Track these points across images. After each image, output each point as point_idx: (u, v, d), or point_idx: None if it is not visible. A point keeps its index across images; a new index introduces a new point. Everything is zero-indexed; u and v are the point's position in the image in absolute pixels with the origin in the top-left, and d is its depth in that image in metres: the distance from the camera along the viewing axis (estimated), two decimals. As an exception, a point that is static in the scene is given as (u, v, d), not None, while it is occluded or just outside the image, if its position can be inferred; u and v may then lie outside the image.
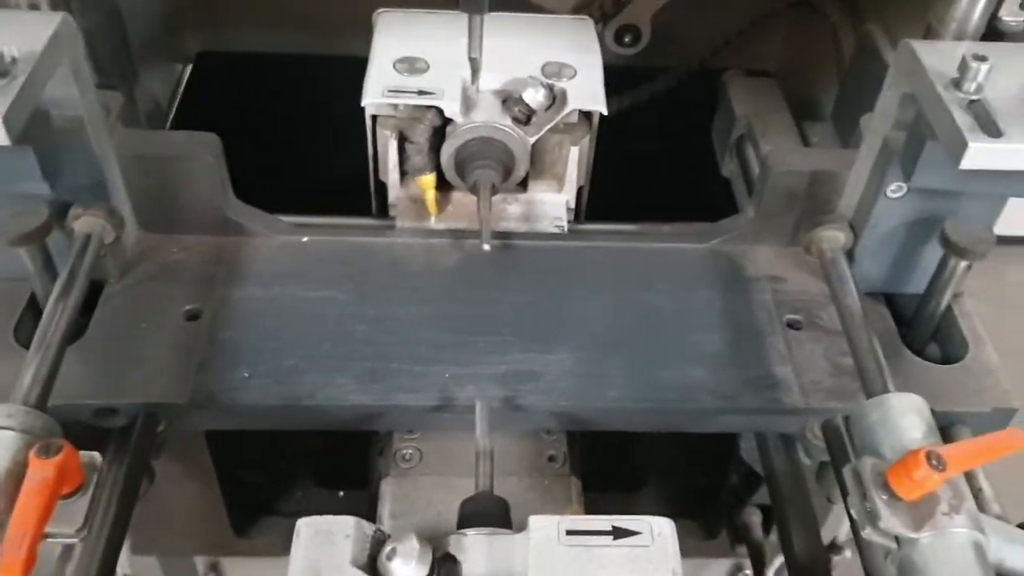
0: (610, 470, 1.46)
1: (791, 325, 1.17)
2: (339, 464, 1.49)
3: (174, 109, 1.70)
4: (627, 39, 1.65)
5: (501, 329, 1.13)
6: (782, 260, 1.24)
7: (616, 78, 1.49)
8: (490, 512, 0.88)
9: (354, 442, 1.31)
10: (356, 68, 1.23)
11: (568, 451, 1.19)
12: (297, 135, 1.73)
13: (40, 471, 0.75)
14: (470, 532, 0.83)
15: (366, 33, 1.30)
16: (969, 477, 1.01)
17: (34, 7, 1.06)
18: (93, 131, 1.03)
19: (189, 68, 1.80)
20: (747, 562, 1.52)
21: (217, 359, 1.06)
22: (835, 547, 1.50)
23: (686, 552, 0.79)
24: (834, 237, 1.16)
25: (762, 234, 1.24)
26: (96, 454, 0.84)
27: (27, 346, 1.05)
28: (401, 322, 1.13)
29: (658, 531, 0.78)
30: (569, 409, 1.06)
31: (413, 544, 0.77)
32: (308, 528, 0.79)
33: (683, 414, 1.09)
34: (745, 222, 1.25)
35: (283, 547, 0.79)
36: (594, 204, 1.33)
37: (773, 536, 1.47)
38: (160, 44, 1.68)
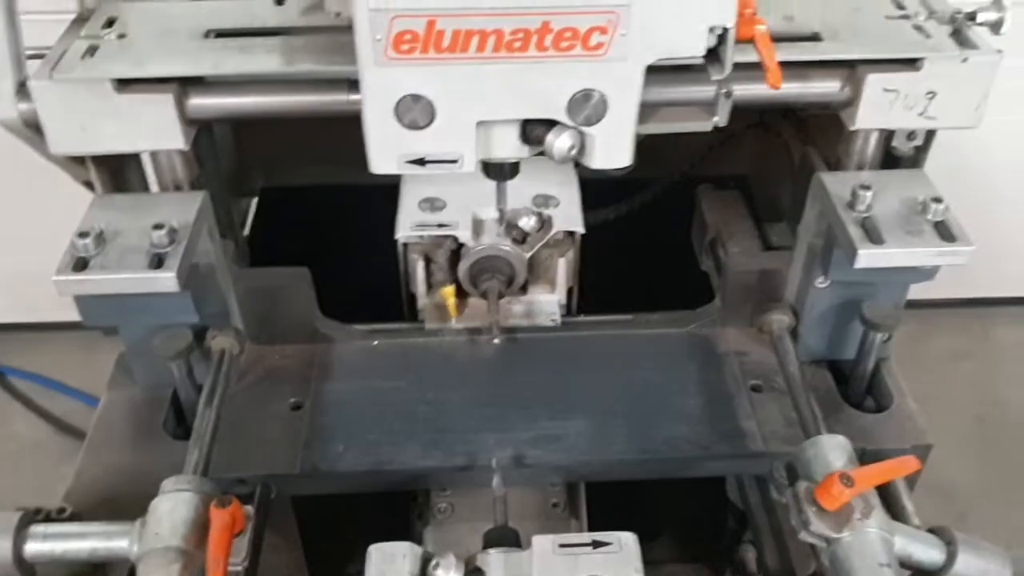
0: (625, 525, 1.79)
1: (754, 389, 1.51)
2: (390, 526, 1.83)
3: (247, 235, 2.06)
4: (616, 162, 2.01)
5: (526, 403, 1.47)
6: (746, 338, 1.58)
7: (609, 190, 1.87)
8: (506, 537, 1.21)
9: (400, 505, 1.64)
10: (392, 194, 1.59)
11: (568, 499, 1.52)
12: (343, 253, 2.10)
13: (222, 517, 1.09)
14: (492, 551, 1.15)
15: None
16: (895, 498, 1.35)
17: (178, 187, 1.43)
18: (221, 273, 1.41)
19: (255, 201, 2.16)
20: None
21: (317, 438, 1.42)
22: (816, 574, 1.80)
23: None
24: (780, 319, 1.51)
25: (728, 319, 1.59)
26: (249, 507, 1.18)
27: (174, 435, 1.42)
28: (453, 402, 1.47)
29: (624, 542, 1.12)
30: (585, 462, 1.40)
31: (451, 559, 1.11)
32: (377, 552, 1.13)
33: (671, 462, 1.42)
34: (715, 310, 1.60)
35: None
36: (598, 295, 1.66)
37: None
38: (237, 184, 2.05)
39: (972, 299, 3.94)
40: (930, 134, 1.48)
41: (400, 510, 1.68)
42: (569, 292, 1.64)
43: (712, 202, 1.90)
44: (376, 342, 1.57)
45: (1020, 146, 3.49)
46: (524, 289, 1.62)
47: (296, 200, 2.09)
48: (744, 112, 1.81)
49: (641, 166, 1.98)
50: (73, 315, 3.97)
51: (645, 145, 1.97)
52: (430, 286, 1.59)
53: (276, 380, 1.51)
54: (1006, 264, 3.89)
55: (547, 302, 1.63)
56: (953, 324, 3.93)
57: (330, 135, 1.91)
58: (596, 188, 1.66)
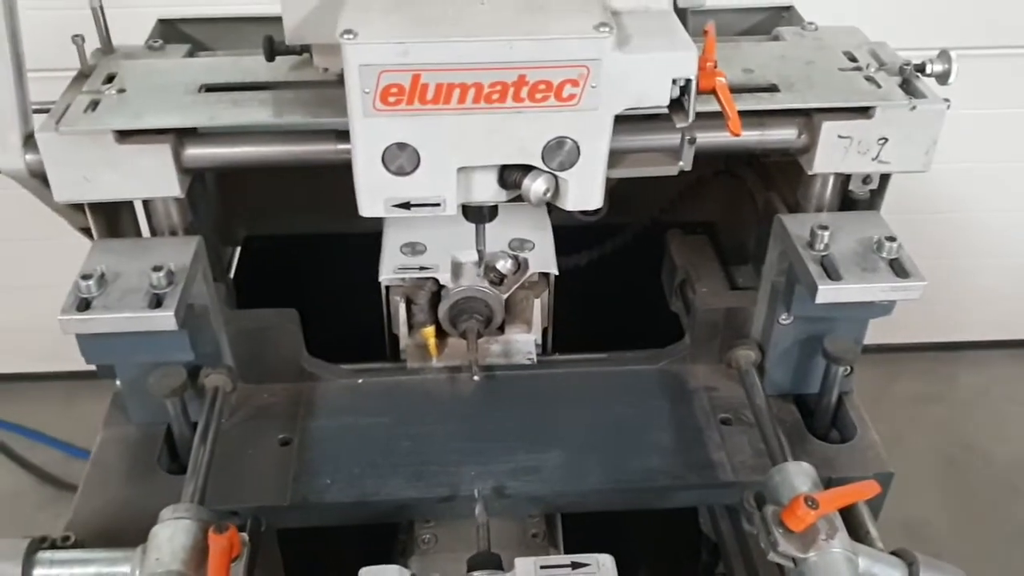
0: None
1: (724, 422, 1.58)
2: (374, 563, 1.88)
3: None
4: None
5: (505, 437, 1.53)
6: (715, 374, 1.66)
7: (582, 236, 1.95)
8: (489, 561, 1.27)
9: (383, 542, 1.69)
10: (367, 241, 1.66)
11: (546, 529, 1.58)
12: (324, 299, 2.16)
13: (220, 543, 1.15)
14: (476, 574, 1.21)
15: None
16: (859, 524, 1.42)
17: (173, 232, 1.51)
18: (214, 314, 1.47)
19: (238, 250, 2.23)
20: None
21: (305, 472, 1.48)
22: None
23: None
24: (747, 355, 1.59)
25: (697, 356, 1.67)
26: (244, 534, 1.23)
27: (168, 470, 1.47)
28: (434, 436, 1.54)
29: (602, 563, 1.19)
30: (561, 492, 1.46)
31: None
32: (367, 574, 1.18)
33: (646, 492, 1.49)
34: (684, 347, 1.68)
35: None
36: (572, 337, 1.74)
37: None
38: (222, 233, 2.12)
39: (938, 343, 4.06)
40: (884, 179, 1.57)
41: (383, 546, 1.73)
42: (544, 332, 1.72)
43: (681, 246, 1.98)
44: (360, 380, 1.64)
45: (990, 193, 3.63)
46: (501, 329, 1.69)
47: (278, 248, 2.16)
48: (710, 160, 1.92)
49: (613, 212, 2.09)
50: (53, 366, 4.02)
51: (616, 193, 2.07)
52: (411, 327, 1.66)
53: (265, 417, 1.57)
54: (971, 309, 4.01)
55: (524, 341, 1.70)
56: (920, 368, 4.04)
57: (310, 186, 2.01)
58: (569, 234, 1.75)
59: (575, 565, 1.18)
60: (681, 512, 1.81)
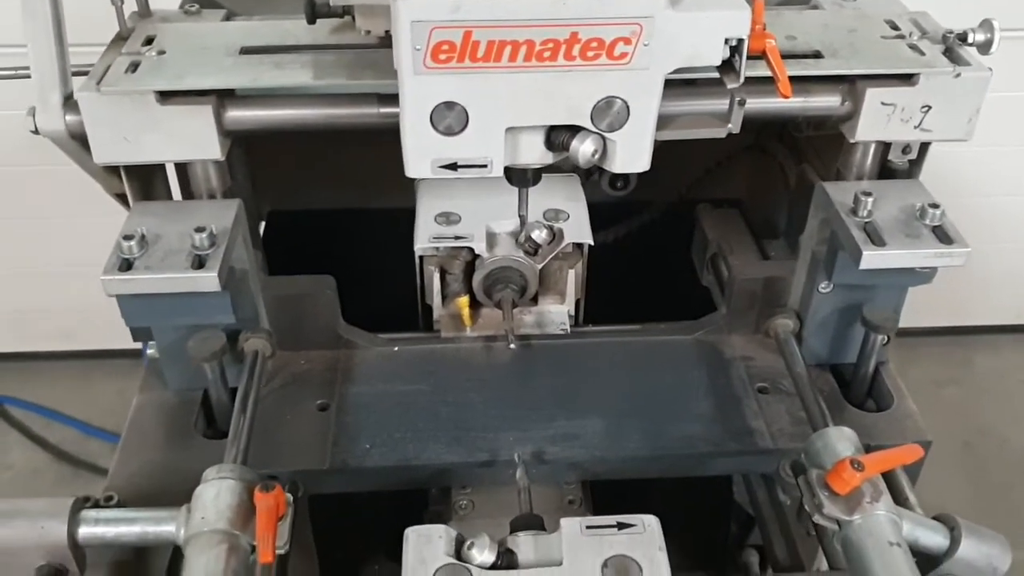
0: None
1: (761, 391, 1.57)
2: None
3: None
4: (619, 184, 2.09)
5: (543, 404, 1.53)
6: (751, 344, 1.65)
7: (614, 212, 1.94)
8: (533, 523, 1.26)
9: (414, 515, 1.69)
10: (392, 218, 1.66)
11: (583, 496, 1.58)
12: (349, 273, 2.16)
13: (267, 501, 1.14)
14: (521, 534, 1.20)
15: (402, 190, 1.70)
16: (899, 490, 1.41)
17: (212, 196, 1.50)
18: (252, 278, 1.46)
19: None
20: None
21: (344, 437, 1.47)
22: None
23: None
24: (785, 324, 1.58)
25: (734, 326, 1.66)
26: (289, 494, 1.23)
27: (204, 435, 1.47)
28: (472, 403, 1.53)
29: (648, 524, 1.18)
30: (601, 459, 1.46)
31: (485, 539, 1.15)
32: (414, 533, 1.18)
33: (684, 459, 1.48)
34: (720, 318, 1.67)
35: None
36: (604, 311, 1.74)
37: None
38: (250, 208, 2.12)
39: (955, 327, 4.07)
40: (923, 149, 1.57)
41: (413, 518, 1.72)
42: (577, 304, 1.71)
43: (712, 220, 1.99)
44: (396, 348, 1.63)
45: (1007, 178, 3.62)
46: (535, 300, 1.69)
47: (302, 222, 2.16)
48: (740, 135, 1.91)
49: (642, 189, 2.09)
50: (70, 345, 4.04)
51: (646, 173, 2.08)
52: (445, 297, 1.66)
53: (302, 383, 1.56)
54: (987, 293, 4.01)
55: (557, 312, 1.70)
56: (937, 352, 4.05)
57: (333, 162, 2.01)
58: (601, 210, 1.75)
59: (621, 525, 1.18)
60: (712, 483, 1.80)
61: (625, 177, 2.09)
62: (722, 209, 2.05)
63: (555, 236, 1.62)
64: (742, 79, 1.23)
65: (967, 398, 3.88)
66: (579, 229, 1.64)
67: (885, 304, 1.53)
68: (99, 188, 1.54)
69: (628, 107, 1.22)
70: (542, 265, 1.62)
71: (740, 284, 1.63)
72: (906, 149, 1.57)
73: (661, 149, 1.98)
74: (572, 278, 1.66)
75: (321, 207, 2.15)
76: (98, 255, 1.36)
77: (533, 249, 1.61)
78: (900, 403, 1.56)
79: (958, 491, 3.34)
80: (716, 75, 1.25)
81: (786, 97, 1.25)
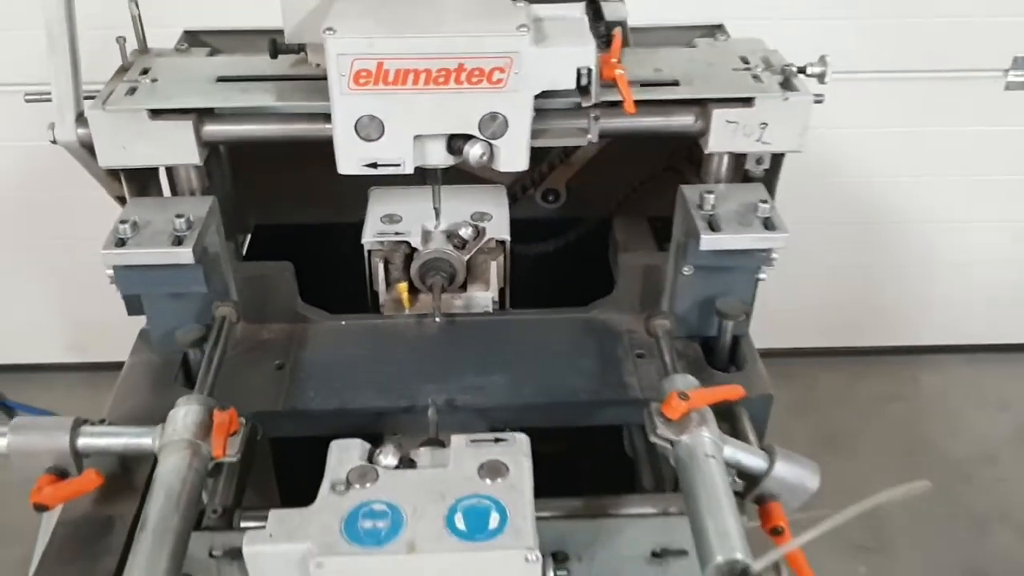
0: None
1: (639, 356, 1.92)
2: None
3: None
4: (550, 198, 2.43)
5: (459, 365, 1.88)
6: (636, 322, 2.00)
7: (545, 226, 2.30)
8: (435, 442, 1.57)
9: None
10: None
11: None
12: (322, 276, 2.52)
13: (222, 417, 1.50)
14: (422, 448, 1.53)
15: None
16: (742, 432, 1.73)
17: (192, 194, 1.88)
18: (223, 259, 1.84)
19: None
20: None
21: (295, 388, 1.83)
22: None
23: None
24: (663, 324, 1.86)
25: (621, 306, 2.01)
26: (242, 419, 1.58)
27: (185, 385, 1.82)
28: (402, 363, 1.89)
29: (518, 438, 1.51)
30: (503, 406, 1.81)
31: (390, 447, 1.48)
32: (336, 445, 1.50)
33: (571, 407, 1.82)
34: (611, 298, 2.02)
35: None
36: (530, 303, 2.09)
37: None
38: (235, 220, 2.48)
39: (901, 347, 4.36)
40: (775, 161, 1.92)
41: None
42: (501, 292, 2.06)
43: (622, 227, 2.33)
44: (344, 322, 1.99)
45: (948, 207, 3.98)
46: (464, 288, 2.04)
47: (284, 235, 2.47)
48: (655, 157, 2.27)
49: (572, 207, 2.43)
50: (78, 357, 4.45)
51: (576, 190, 2.41)
52: (388, 284, 2.02)
53: (264, 349, 1.92)
54: (932, 315, 4.32)
55: (482, 298, 2.05)
56: (884, 370, 4.32)
57: (313, 180, 2.34)
58: (540, 225, 2.14)
59: (498, 440, 1.52)
60: (606, 434, 2.14)
61: (555, 192, 2.45)
62: (634, 220, 2.39)
63: (479, 233, 1.98)
64: (595, 99, 1.60)
65: (911, 413, 4.16)
66: (500, 228, 2.00)
67: (736, 293, 1.87)
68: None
69: (507, 120, 1.60)
70: (468, 257, 1.98)
71: (626, 270, 1.99)
72: (759, 160, 1.92)
73: (589, 171, 2.35)
74: (495, 269, 2.01)
75: (302, 221, 2.48)
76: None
77: (460, 244, 1.97)
78: (753, 366, 1.90)
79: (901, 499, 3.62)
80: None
81: (631, 114, 1.62)
